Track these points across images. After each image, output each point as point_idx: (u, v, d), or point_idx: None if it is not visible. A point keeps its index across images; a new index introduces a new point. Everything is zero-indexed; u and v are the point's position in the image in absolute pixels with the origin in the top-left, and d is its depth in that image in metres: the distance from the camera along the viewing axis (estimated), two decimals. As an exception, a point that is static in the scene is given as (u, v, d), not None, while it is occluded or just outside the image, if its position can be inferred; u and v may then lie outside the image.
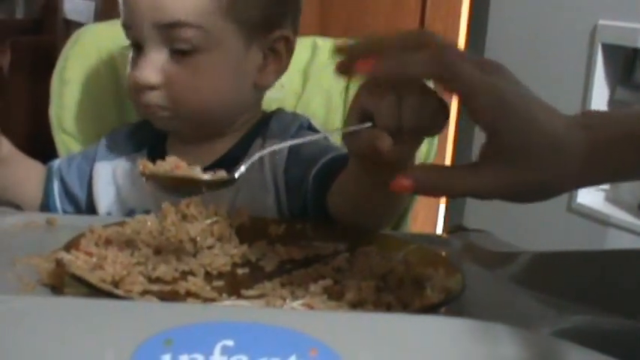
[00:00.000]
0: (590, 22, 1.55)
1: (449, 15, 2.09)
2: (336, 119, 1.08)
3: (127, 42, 1.05)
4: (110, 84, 1.05)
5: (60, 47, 1.06)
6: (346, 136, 0.65)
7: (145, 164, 0.66)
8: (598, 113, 0.62)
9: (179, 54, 0.83)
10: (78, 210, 0.93)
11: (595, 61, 1.54)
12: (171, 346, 0.42)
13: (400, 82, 0.60)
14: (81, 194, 0.93)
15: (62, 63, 1.04)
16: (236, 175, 0.66)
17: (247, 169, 0.73)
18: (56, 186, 0.93)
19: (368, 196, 0.72)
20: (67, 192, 0.93)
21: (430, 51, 0.58)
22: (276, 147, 0.69)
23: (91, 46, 1.05)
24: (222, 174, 0.66)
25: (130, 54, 0.88)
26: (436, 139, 1.05)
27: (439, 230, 2.11)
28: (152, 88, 0.84)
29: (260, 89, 0.91)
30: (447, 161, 2.01)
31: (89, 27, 1.10)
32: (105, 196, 0.91)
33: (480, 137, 0.60)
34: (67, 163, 0.95)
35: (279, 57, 0.89)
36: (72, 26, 2.66)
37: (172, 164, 0.66)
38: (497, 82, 0.58)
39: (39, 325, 0.45)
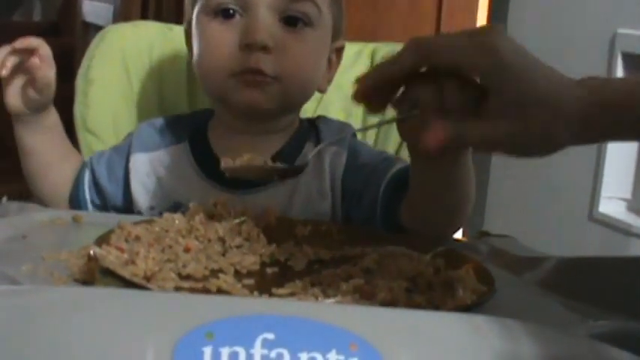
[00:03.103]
0: (609, 30, 1.55)
1: (465, 21, 2.08)
2: (356, 124, 1.08)
3: (150, 42, 1.06)
4: (135, 84, 1.05)
5: (79, 49, 1.07)
6: (400, 127, 0.69)
7: (226, 161, 0.74)
8: (598, 78, 0.65)
9: (288, 24, 0.85)
10: (105, 202, 0.92)
11: (615, 70, 1.53)
12: (212, 338, 0.43)
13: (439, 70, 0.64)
14: (109, 186, 0.92)
15: (87, 62, 1.04)
16: (309, 158, 0.77)
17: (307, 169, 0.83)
18: (87, 176, 0.92)
19: (435, 192, 0.75)
20: (95, 183, 0.92)
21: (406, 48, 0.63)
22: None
23: (117, 46, 1.05)
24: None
25: (199, 22, 0.87)
26: None
27: (457, 236, 2.10)
28: (266, 50, 0.83)
29: (319, 92, 0.95)
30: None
31: (114, 27, 1.10)
32: (145, 190, 0.90)
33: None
34: (98, 155, 0.95)
35: (331, 66, 0.94)
36: (91, 29, 2.66)
37: (249, 158, 0.75)
38: (487, 39, 0.62)
39: (81, 317, 0.45)
